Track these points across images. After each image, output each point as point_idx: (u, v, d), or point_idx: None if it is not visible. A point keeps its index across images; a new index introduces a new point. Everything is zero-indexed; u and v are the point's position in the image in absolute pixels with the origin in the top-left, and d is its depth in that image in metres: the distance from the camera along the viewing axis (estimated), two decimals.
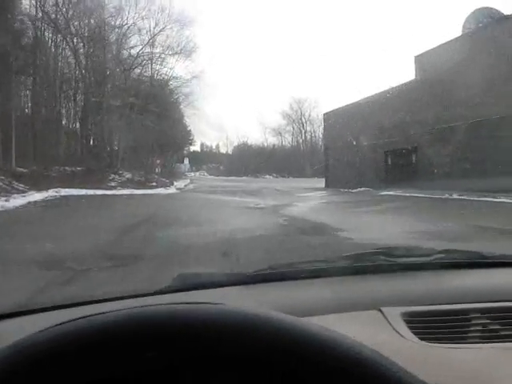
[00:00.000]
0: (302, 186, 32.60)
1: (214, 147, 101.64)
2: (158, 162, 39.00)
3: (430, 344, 0.92)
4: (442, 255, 1.42)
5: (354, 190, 26.01)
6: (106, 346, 0.46)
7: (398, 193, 21.35)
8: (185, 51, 34.79)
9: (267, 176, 72.12)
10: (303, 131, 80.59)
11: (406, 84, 25.36)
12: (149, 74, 36.67)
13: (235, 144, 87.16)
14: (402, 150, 24.98)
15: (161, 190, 25.18)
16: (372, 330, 0.93)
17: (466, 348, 0.93)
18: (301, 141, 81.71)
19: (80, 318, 0.49)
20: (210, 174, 77.90)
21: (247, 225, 9.57)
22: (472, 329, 1.01)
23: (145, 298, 1.13)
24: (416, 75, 24.39)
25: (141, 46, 33.42)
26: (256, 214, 12.95)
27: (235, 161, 79.71)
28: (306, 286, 1.28)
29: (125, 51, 33.26)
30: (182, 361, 0.48)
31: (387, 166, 27.01)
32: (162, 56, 35.06)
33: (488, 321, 1.03)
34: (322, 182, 35.10)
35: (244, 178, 65.54)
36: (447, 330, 0.98)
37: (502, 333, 0.98)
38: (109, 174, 26.90)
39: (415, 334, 0.95)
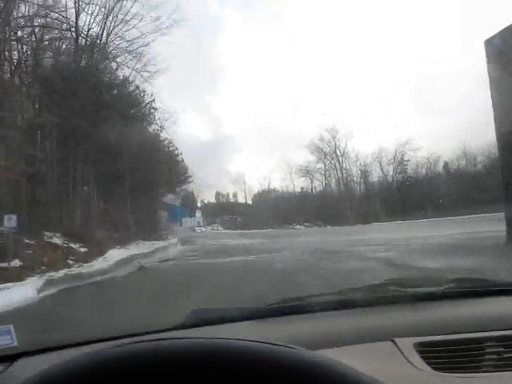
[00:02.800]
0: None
1: (231, 197, 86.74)
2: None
3: (443, 374, 0.93)
4: (454, 284, 1.45)
5: None
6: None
7: None
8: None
9: (297, 226, 56.11)
10: (338, 167, 64.17)
11: None
12: None
13: (255, 192, 71.37)
14: None
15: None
16: (386, 361, 0.91)
17: (480, 377, 0.93)
18: (334, 180, 65.31)
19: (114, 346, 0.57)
20: (226, 228, 61.64)
21: None
22: (487, 357, 1.01)
23: (162, 333, 1.12)
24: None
25: None
26: None
27: (256, 210, 63.78)
28: (319, 318, 1.29)
29: None
30: None
31: None
32: None
33: (503, 349, 1.02)
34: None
35: (268, 230, 49.63)
36: (461, 360, 0.99)
37: None
38: None
39: (428, 364, 0.96)
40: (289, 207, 60.74)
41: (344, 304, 1.38)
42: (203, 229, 63.01)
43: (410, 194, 58.88)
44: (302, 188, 67.02)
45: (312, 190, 66.70)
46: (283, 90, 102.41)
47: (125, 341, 0.63)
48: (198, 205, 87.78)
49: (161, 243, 20.13)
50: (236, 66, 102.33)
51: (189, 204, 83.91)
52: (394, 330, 1.13)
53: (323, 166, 64.90)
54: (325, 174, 65.55)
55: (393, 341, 1.05)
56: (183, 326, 1.23)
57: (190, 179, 38.07)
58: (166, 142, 28.83)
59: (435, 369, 0.93)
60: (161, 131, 25.97)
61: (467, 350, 1.01)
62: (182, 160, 33.57)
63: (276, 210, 59.75)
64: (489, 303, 1.36)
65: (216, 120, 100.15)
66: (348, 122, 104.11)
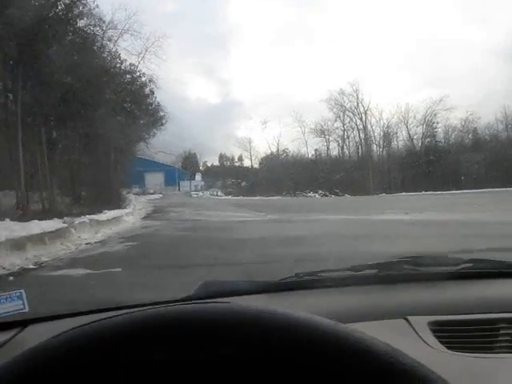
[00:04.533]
0: None
1: (236, 160, 78.53)
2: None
3: (456, 353, 0.94)
4: (469, 265, 1.43)
5: None
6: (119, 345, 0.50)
7: None
8: None
9: (311, 194, 48.18)
10: (360, 126, 55.39)
11: None
12: None
13: (263, 155, 62.72)
14: None
15: None
16: (398, 338, 0.90)
17: (493, 358, 0.94)
18: (354, 142, 56.67)
19: (100, 320, 0.53)
20: (227, 194, 53.60)
21: None
22: (500, 339, 1.02)
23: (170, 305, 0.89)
24: None
25: None
26: None
27: (263, 175, 55.65)
28: (331, 294, 1.30)
29: None
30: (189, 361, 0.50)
31: None
32: None
33: None
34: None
35: (276, 198, 41.83)
36: (474, 340, 1.00)
37: None
38: None
39: (442, 343, 0.97)
40: (301, 172, 52.66)
41: (357, 280, 1.36)
42: (200, 193, 55.40)
43: (440, 161, 50.81)
44: (316, 150, 58.51)
45: (328, 152, 58.20)
46: (298, 45, 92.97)
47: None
48: (201, 168, 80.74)
49: (98, 217, 12.34)
50: (247, 26, 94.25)
51: (190, 166, 76.52)
52: (408, 308, 1.13)
53: (342, 124, 56.11)
54: (343, 135, 56.87)
55: (406, 319, 1.07)
56: (194, 298, 1.18)
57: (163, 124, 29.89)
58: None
59: (448, 348, 0.94)
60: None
61: (481, 331, 1.02)
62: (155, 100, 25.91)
63: (286, 174, 51.66)
64: (504, 285, 1.36)
65: (225, 84, 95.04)
66: (373, 74, 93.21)
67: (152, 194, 53.24)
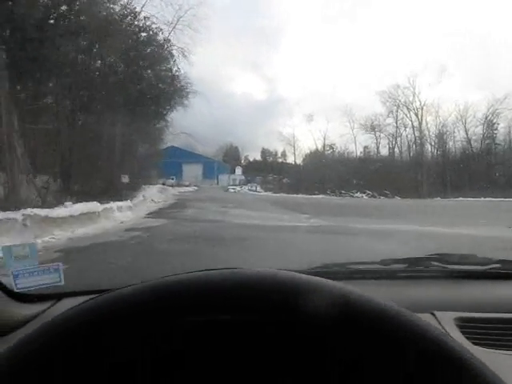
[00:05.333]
0: None
1: (279, 155, 74.86)
2: None
3: (483, 349, 0.94)
4: (498, 265, 1.43)
5: None
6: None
7: None
8: None
9: (357, 194, 43.99)
10: (415, 123, 50.38)
11: None
12: None
13: (307, 152, 58.56)
14: None
15: None
16: None
17: None
18: (406, 140, 51.70)
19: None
20: (267, 190, 50.00)
21: None
22: None
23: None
24: None
25: None
26: None
27: (306, 172, 51.75)
28: (359, 286, 1.15)
29: None
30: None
31: None
32: None
33: None
34: None
35: (321, 196, 38.07)
36: (500, 338, 1.00)
37: None
38: None
39: (468, 339, 0.97)
40: (347, 170, 48.57)
41: (385, 274, 1.38)
42: (238, 188, 52.15)
43: (501, 165, 45.53)
44: (365, 148, 53.96)
45: (377, 150, 53.54)
46: (347, 37, 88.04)
47: None
48: (242, 162, 77.62)
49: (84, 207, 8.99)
50: (293, 19, 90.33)
51: (230, 160, 73.61)
52: (434, 303, 1.13)
53: (394, 121, 51.26)
54: (395, 133, 52.01)
55: (433, 314, 1.07)
56: None
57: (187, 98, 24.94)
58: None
59: (475, 344, 0.94)
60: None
61: (506, 330, 1.03)
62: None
63: (331, 172, 47.72)
64: None
65: (270, 80, 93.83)
66: (431, 68, 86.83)
67: (187, 186, 50.40)
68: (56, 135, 12.61)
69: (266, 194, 45.41)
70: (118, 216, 11.08)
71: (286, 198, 32.59)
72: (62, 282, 1.20)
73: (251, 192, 48.00)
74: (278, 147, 78.34)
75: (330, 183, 46.50)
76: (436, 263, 1.43)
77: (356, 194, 44.08)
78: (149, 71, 19.29)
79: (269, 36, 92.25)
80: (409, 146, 52.22)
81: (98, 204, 10.47)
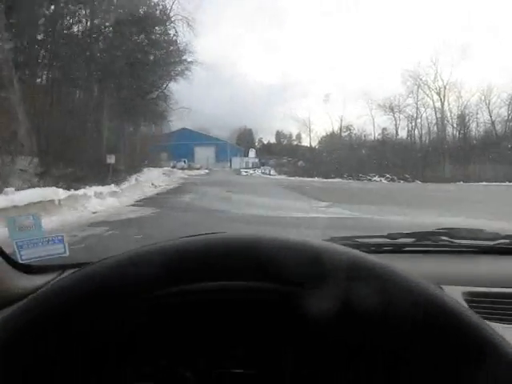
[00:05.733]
0: None
1: (294, 138, 72.75)
2: None
3: (490, 323, 0.91)
4: (506, 240, 1.42)
5: None
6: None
7: None
8: None
9: (376, 178, 42.01)
10: (436, 103, 47.73)
11: None
12: None
13: (323, 134, 56.32)
14: None
15: None
16: None
17: None
18: (426, 122, 49.11)
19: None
20: (281, 173, 48.12)
21: None
22: None
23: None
24: None
25: None
26: None
27: (322, 155, 49.88)
28: None
29: None
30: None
31: None
32: None
33: None
34: None
35: (338, 180, 36.26)
36: (508, 312, 1.00)
37: None
38: None
39: (476, 313, 0.91)
40: (365, 153, 46.54)
41: (393, 247, 1.38)
42: (251, 171, 50.43)
43: None
44: (383, 130, 51.48)
45: (396, 131, 51.10)
46: (366, 15, 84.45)
47: None
48: (256, 145, 75.80)
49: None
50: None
51: (244, 143, 71.82)
52: (442, 277, 1.12)
53: (414, 101, 48.64)
54: (416, 114, 49.43)
55: (440, 288, 1.00)
56: None
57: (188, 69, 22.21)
58: None
59: (483, 318, 0.89)
60: None
61: None
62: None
63: (348, 155, 45.75)
64: None
65: (284, 62, 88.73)
66: (454, 45, 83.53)
67: (197, 169, 48.74)
68: (30, 108, 10.95)
69: (279, 177, 43.58)
70: (92, 204, 9.38)
71: (301, 181, 30.76)
72: (67, 253, 1.19)
73: (264, 175, 46.18)
74: (292, 130, 76.15)
75: (347, 166, 44.50)
76: (444, 237, 1.41)
77: (374, 178, 42.03)
78: (141, 35, 16.92)
79: (282, 14, 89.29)
80: (429, 128, 49.77)
81: (60, 190, 8.73)
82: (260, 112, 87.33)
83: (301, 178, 39.69)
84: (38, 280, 1.10)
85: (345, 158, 45.41)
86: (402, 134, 51.06)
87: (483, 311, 0.98)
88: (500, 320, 0.96)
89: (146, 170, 19.95)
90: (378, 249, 1.36)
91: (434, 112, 47.91)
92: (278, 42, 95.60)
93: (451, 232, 1.44)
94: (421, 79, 46.92)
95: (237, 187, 17.48)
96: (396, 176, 42.25)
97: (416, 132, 49.74)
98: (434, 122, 48.44)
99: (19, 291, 1.04)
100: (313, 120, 75.18)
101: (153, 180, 18.25)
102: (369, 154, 46.16)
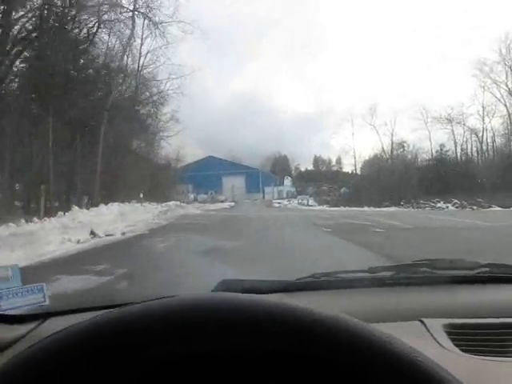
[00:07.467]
0: None
1: (334, 163, 65.62)
2: None
3: (473, 356, 0.92)
4: (486, 269, 1.40)
5: None
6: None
7: None
8: None
9: (441, 204, 34.10)
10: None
11: None
12: None
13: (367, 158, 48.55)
14: None
15: None
16: (413, 340, 0.85)
17: (508, 361, 0.92)
18: (501, 130, 40.71)
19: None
20: (321, 203, 40.61)
21: None
22: None
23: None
24: None
25: None
26: None
27: (369, 179, 42.48)
28: (348, 295, 1.29)
29: None
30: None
31: None
32: None
33: None
34: None
35: (394, 209, 28.64)
36: (489, 344, 0.98)
37: None
38: None
39: (457, 345, 0.95)
40: (421, 174, 38.79)
41: (373, 282, 1.36)
42: (285, 202, 43.31)
43: None
44: (441, 146, 43.24)
45: (456, 147, 42.84)
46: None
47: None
48: (292, 172, 69.20)
49: None
50: (340, 30, 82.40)
51: (279, 171, 65.18)
52: (423, 310, 1.12)
53: (481, 108, 40.47)
54: (482, 124, 41.16)
55: (421, 321, 1.06)
56: None
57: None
58: None
59: (463, 350, 0.94)
60: None
61: (497, 335, 1.01)
62: None
63: (402, 178, 38.07)
64: None
65: (320, 90, 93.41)
66: None
67: (222, 202, 41.61)
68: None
69: (320, 207, 36.09)
70: None
71: (349, 213, 23.40)
72: (47, 302, 1.20)
73: (302, 206, 38.59)
74: (331, 155, 68.87)
75: (401, 191, 36.80)
76: (425, 269, 1.40)
77: (439, 204, 33.97)
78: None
79: (314, 47, 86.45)
80: (494, 141, 41.30)
81: None
82: (296, 138, 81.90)
83: (346, 208, 32.25)
84: (20, 329, 1.09)
85: (398, 181, 37.70)
86: (464, 147, 42.96)
87: (464, 343, 0.96)
88: (481, 352, 0.92)
89: (106, 205, 13.64)
90: (358, 283, 1.34)
91: (508, 116, 39.09)
92: (312, 67, 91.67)
93: (432, 263, 1.41)
94: (489, 78, 38.69)
95: (255, 234, 10.47)
96: (466, 201, 34.07)
97: (483, 147, 41.61)
98: (507, 132, 39.80)
99: (1, 342, 1.04)
100: (355, 143, 67.69)
101: (103, 223, 11.64)
102: (426, 175, 38.36)
